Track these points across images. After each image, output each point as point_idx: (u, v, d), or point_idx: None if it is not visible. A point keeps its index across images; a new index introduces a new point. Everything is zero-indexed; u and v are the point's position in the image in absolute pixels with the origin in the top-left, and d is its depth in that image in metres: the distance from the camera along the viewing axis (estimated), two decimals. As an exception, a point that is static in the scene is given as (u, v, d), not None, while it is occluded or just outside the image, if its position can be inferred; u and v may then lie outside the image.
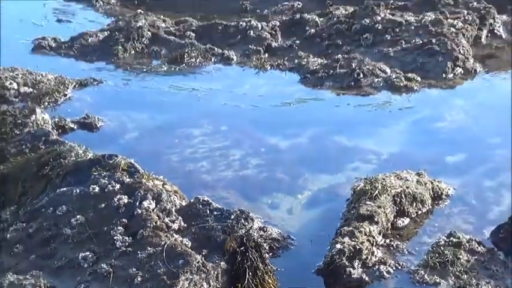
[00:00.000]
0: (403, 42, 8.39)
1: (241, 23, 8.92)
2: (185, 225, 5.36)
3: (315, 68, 8.06)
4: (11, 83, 7.73)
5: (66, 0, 10.16)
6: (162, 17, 9.16)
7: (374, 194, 5.88)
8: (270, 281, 5.14)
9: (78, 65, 8.36)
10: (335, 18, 8.94)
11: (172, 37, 8.71)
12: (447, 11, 8.87)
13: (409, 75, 7.94)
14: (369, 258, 5.43)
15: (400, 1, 9.26)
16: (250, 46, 8.57)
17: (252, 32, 8.74)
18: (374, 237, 5.59)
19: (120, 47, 8.50)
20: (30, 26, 9.30)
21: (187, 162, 6.66)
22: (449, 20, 8.62)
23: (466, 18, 8.75)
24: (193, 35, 8.74)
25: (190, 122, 7.29)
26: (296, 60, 8.29)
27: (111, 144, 6.69)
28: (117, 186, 5.58)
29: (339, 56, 8.23)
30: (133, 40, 8.55)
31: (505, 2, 9.28)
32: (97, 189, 5.57)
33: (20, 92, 7.71)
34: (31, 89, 7.78)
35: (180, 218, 5.39)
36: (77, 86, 7.88)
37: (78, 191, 5.61)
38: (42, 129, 6.83)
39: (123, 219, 5.34)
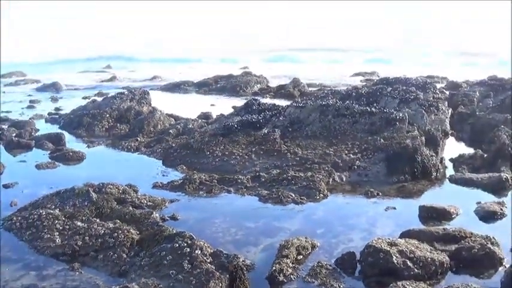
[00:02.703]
0: (299, 184, 8.19)
1: (235, 176, 8.70)
2: (213, 260, 5.33)
3: (264, 195, 7.90)
4: (143, 202, 7.54)
5: (167, 167, 9.94)
6: (203, 174, 8.92)
7: (288, 246, 5.80)
8: (246, 283, 5.08)
9: (170, 194, 8.13)
10: (272, 175, 8.77)
11: (208, 182, 8.50)
12: (316, 171, 8.76)
13: (302, 197, 7.80)
14: (286, 272, 5.38)
15: (297, 167, 9.06)
16: (239, 186, 8.36)
17: (239, 184, 8.51)
18: (288, 264, 5.52)
19: (187, 186, 8.33)
20: (151, 178, 9.10)
21: (213, 233, 6.53)
22: (316, 175, 8.49)
23: (323, 174, 8.63)
24: (216, 181, 8.53)
25: (214, 216, 7.09)
26: (257, 192, 8.10)
27: (182, 226, 6.53)
28: (185, 244, 5.52)
29: (274, 190, 8.08)
30: (192, 184, 8.39)
31: (339, 167, 9.09)
32: (176, 245, 5.52)
33: (147, 204, 7.46)
34: (150, 203, 7.56)
35: (210, 257, 5.35)
36: (170, 202, 7.71)
37: (169, 246, 5.55)
38: (155, 220, 6.76)
39: (188, 257, 5.29)
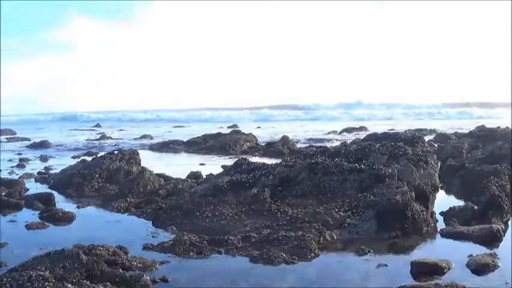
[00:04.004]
0: (289, 244, 8.15)
1: (225, 237, 8.65)
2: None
3: (255, 256, 7.85)
4: (133, 264, 7.53)
5: (157, 228, 9.91)
6: (194, 235, 8.86)
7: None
8: None
9: (161, 255, 8.08)
10: (262, 235, 8.75)
11: (198, 243, 8.42)
12: (306, 230, 8.79)
13: (293, 257, 7.75)
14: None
15: (287, 227, 9.03)
16: (229, 247, 8.31)
17: (229, 244, 8.46)
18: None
19: (177, 247, 8.27)
20: (141, 239, 9.07)
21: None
22: (307, 234, 8.47)
23: (314, 233, 8.62)
24: (206, 242, 8.46)
25: (206, 278, 7.04)
26: (247, 252, 8.06)
27: (174, 285, 6.59)
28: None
29: (265, 250, 8.00)
30: (182, 245, 8.33)
31: (330, 225, 9.14)
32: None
33: (137, 266, 7.45)
34: (141, 265, 7.51)
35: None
36: (160, 263, 7.65)
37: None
38: (145, 283, 6.74)
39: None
